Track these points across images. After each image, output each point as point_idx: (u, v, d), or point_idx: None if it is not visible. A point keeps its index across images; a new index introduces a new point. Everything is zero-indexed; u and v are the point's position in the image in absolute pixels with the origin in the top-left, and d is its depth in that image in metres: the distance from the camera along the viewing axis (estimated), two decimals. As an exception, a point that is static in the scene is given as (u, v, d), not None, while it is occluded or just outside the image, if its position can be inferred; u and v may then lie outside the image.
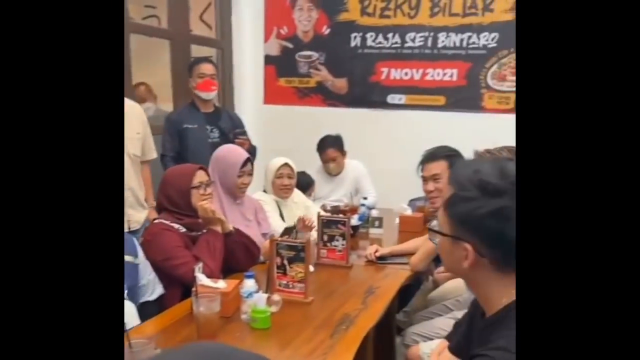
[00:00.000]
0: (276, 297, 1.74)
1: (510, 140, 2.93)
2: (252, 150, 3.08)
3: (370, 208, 3.00)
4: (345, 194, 3.42)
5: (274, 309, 1.69)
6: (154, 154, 2.90)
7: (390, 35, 4.02)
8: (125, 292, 1.72)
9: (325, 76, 4.21)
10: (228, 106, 4.04)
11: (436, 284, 2.64)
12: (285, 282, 1.89)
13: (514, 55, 3.72)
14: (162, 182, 2.15)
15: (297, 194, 2.93)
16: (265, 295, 1.70)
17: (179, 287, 1.96)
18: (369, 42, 4.07)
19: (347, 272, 2.25)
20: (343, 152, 3.45)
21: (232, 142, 2.99)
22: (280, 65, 4.32)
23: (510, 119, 3.64)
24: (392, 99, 4.05)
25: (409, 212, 2.99)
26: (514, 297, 1.05)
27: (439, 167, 2.27)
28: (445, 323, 2.10)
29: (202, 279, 1.75)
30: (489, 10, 3.76)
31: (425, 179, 2.32)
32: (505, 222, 0.99)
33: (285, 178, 2.76)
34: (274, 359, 1.46)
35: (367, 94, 4.10)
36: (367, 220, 2.88)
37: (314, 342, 1.58)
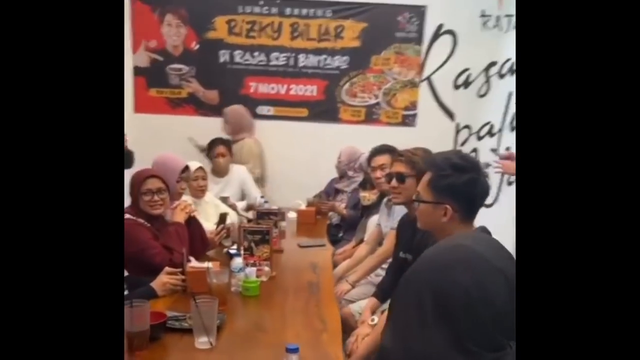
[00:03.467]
0: (266, 268, 2.12)
1: (363, 146, 3.64)
2: (128, 156, 3.31)
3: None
4: (232, 195, 3.78)
5: (264, 278, 2.07)
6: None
7: (256, 53, 4.50)
8: None
9: (196, 88, 4.50)
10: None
11: (334, 264, 3.19)
12: (252, 261, 2.25)
13: (362, 76, 4.52)
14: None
15: (207, 194, 3.23)
16: (255, 269, 2.07)
17: (149, 273, 2.16)
18: (237, 59, 4.49)
19: (281, 255, 2.67)
20: (230, 153, 3.80)
21: None
22: (150, 76, 4.47)
23: (362, 129, 4.44)
24: (261, 110, 4.54)
25: (303, 206, 3.50)
26: None
27: (384, 159, 2.84)
28: (362, 290, 2.67)
29: (193, 261, 2.05)
30: (340, 37, 4.49)
31: (374, 169, 2.88)
32: (474, 188, 1.60)
33: (201, 180, 3.06)
34: (278, 317, 1.85)
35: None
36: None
37: (300, 301, 2.01)
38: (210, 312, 1.58)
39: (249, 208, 3.43)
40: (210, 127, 4.37)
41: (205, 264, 2.07)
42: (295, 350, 1.34)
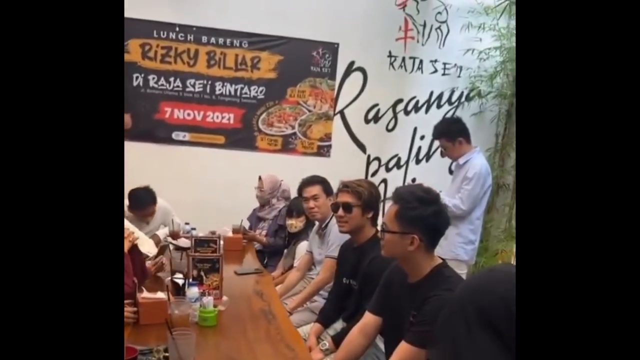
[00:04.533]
0: (225, 297, 2.09)
1: (280, 174, 3.77)
2: None
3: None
4: (154, 227, 3.62)
5: (222, 307, 2.04)
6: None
7: (171, 79, 4.42)
8: None
9: (106, 111, 4.29)
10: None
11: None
12: (202, 290, 2.21)
13: (278, 107, 4.62)
14: None
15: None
16: (212, 298, 2.04)
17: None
18: (152, 84, 4.38)
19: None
20: (155, 203, 3.52)
21: None
22: (54, 97, 4.19)
23: (278, 157, 4.53)
24: (177, 135, 4.45)
25: (229, 233, 3.48)
26: (433, 265, 1.78)
27: (316, 189, 2.90)
28: (299, 316, 2.72)
29: (145, 292, 1.98)
30: (257, 68, 4.58)
31: (306, 199, 2.91)
32: (438, 218, 1.75)
33: None
34: (244, 347, 1.84)
35: (152, 130, 4.38)
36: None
37: (260, 329, 2.02)
38: (187, 345, 1.55)
39: (173, 235, 3.33)
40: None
41: (158, 294, 2.01)
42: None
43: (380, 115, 4.78)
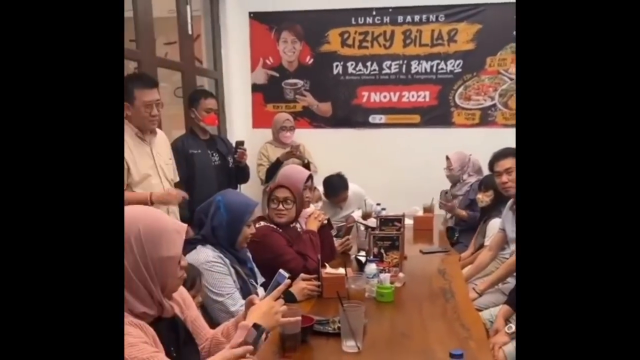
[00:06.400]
0: (401, 274, 2.15)
1: (477, 149, 3.50)
2: (244, 170, 3.45)
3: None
4: (349, 212, 3.83)
5: (398, 284, 2.10)
6: (177, 177, 3.04)
7: (368, 63, 4.56)
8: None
9: (310, 101, 4.66)
10: (221, 131, 4.32)
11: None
12: (381, 267, 2.28)
13: (476, 79, 4.42)
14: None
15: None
16: (389, 274, 2.10)
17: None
18: (350, 70, 4.59)
19: (406, 262, 2.63)
20: (347, 188, 3.76)
21: (231, 164, 3.34)
22: (267, 92, 4.70)
23: (476, 132, 4.33)
24: (374, 119, 4.60)
25: (420, 213, 3.49)
26: None
27: (509, 162, 2.74)
28: (489, 298, 2.60)
29: (327, 268, 2.13)
30: (453, 41, 4.44)
31: (498, 173, 2.77)
32: None
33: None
34: (417, 323, 1.85)
35: (350, 116, 4.62)
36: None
37: (436, 307, 2.00)
38: (357, 317, 1.63)
39: (365, 216, 3.47)
40: (324, 139, 4.53)
41: (340, 270, 2.14)
42: (459, 357, 1.33)
43: (597, 76, 4.21)
